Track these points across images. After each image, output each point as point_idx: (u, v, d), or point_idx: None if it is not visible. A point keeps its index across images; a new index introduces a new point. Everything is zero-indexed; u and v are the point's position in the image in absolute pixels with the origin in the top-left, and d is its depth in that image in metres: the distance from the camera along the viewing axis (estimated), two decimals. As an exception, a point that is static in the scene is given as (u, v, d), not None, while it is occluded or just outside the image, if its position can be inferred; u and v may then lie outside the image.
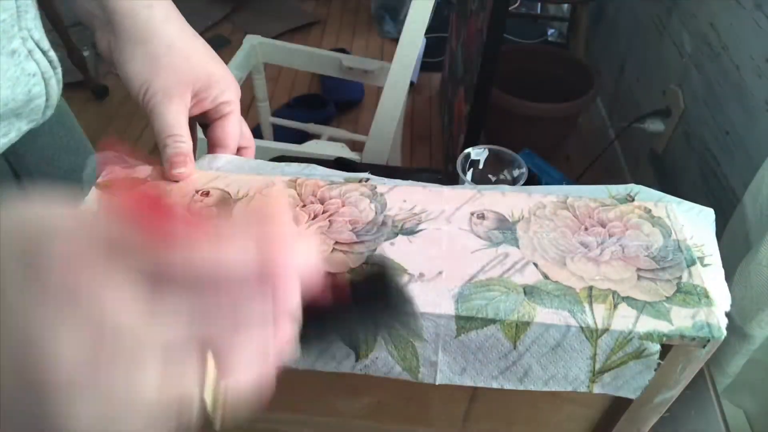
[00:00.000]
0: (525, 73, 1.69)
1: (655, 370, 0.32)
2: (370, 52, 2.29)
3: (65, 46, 1.84)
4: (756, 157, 1.03)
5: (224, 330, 0.20)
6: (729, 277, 0.35)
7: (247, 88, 1.51)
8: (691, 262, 0.34)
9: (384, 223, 0.36)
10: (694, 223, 0.37)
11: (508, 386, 0.34)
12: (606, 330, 0.31)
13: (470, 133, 1.41)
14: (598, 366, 0.32)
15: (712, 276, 0.34)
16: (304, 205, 0.37)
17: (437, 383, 0.34)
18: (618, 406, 0.38)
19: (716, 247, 0.35)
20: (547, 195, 0.38)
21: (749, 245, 0.82)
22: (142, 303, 0.19)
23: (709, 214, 0.37)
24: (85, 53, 1.96)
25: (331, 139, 1.54)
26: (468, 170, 0.69)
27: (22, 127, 0.44)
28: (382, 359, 0.33)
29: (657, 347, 0.31)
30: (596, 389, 0.33)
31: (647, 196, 0.38)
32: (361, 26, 2.48)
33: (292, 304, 0.22)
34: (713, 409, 0.56)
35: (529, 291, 0.32)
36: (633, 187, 0.39)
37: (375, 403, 0.40)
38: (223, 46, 2.22)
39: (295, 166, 0.41)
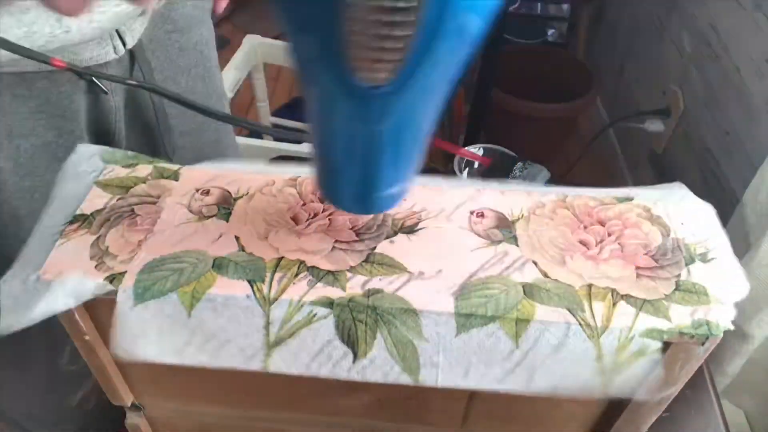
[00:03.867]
0: (525, 73, 1.69)
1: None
2: (370, 53, 2.29)
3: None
4: (756, 157, 1.03)
5: None
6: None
7: (247, 88, 1.51)
8: (690, 261, 0.34)
9: (384, 222, 0.36)
10: (695, 219, 0.37)
11: (515, 389, 0.33)
12: (605, 328, 0.31)
13: (470, 133, 1.41)
14: (606, 371, 0.32)
15: (718, 269, 0.34)
16: (304, 204, 0.37)
17: (439, 385, 0.33)
18: (617, 405, 0.38)
19: (723, 238, 0.35)
20: (547, 194, 0.38)
21: (749, 245, 0.82)
22: None
23: (709, 209, 0.37)
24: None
25: (331, 139, 1.54)
26: (464, 169, 0.69)
27: None
28: (381, 359, 0.33)
29: (658, 344, 0.31)
30: (611, 392, 0.33)
31: (649, 195, 0.38)
32: (362, 26, 2.47)
33: None
34: (713, 409, 0.56)
35: (528, 289, 0.32)
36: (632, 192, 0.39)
37: (375, 401, 0.40)
38: (223, 46, 2.21)
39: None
